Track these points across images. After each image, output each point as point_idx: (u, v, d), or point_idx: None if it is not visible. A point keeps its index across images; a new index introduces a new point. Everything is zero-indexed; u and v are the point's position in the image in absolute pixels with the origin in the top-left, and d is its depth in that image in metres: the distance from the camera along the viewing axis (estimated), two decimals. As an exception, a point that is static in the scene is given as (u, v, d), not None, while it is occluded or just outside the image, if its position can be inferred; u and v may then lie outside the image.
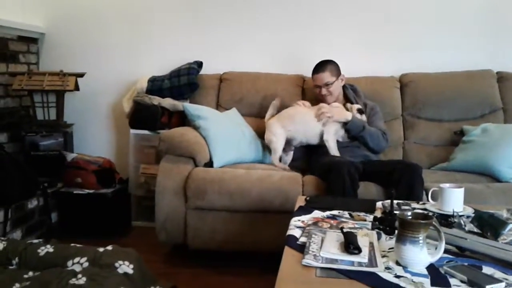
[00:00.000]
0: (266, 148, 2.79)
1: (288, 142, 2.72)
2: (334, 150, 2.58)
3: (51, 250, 1.98)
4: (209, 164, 2.56)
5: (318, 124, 2.61)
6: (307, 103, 2.76)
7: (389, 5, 3.16)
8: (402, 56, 3.16)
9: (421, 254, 1.22)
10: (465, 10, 3.11)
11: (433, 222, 1.24)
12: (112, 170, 3.04)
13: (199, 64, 3.15)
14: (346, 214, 1.74)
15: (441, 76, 3.00)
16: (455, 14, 3.12)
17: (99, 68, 3.31)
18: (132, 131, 3.04)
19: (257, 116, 2.96)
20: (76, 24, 3.33)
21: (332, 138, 2.60)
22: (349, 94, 2.77)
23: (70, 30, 3.34)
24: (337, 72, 2.73)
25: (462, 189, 1.71)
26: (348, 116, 2.59)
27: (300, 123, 2.67)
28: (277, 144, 2.68)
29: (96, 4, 3.31)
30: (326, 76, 2.69)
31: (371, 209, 1.80)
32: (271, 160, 2.72)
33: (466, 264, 1.26)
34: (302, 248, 1.36)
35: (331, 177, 2.25)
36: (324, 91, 2.69)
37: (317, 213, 1.74)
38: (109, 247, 2.03)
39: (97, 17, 3.33)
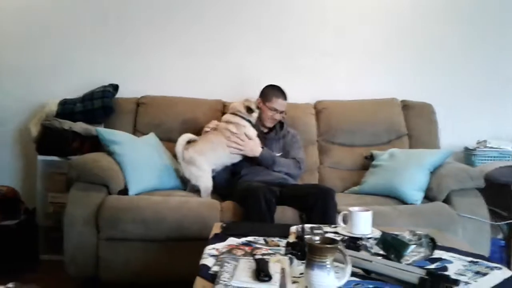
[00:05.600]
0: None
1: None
2: None
3: None
4: (125, 191, 2.47)
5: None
6: (215, 122, 2.77)
7: (305, 37, 3.31)
8: (317, 84, 3.31)
9: (328, 279, 1.25)
10: (373, 42, 3.33)
11: (339, 246, 1.28)
12: (16, 199, 2.84)
13: (115, 87, 3.06)
14: (261, 240, 1.75)
15: (352, 103, 3.17)
16: (365, 47, 3.33)
17: (3, 90, 3.10)
18: (40, 157, 2.86)
19: (176, 142, 2.90)
20: (-22, 42, 3.12)
21: None
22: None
23: (-28, 49, 3.11)
24: None
25: (369, 212, 1.79)
26: (256, 152, 2.65)
27: (223, 152, 2.65)
28: (208, 180, 2.59)
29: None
30: (286, 104, 2.80)
31: (285, 234, 1.82)
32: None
33: (371, 286, 1.31)
34: (214, 278, 1.33)
35: (248, 202, 2.26)
36: (279, 116, 2.79)
37: (232, 240, 1.73)
38: (10, 285, 1.87)
39: (1, 34, 3.12)
